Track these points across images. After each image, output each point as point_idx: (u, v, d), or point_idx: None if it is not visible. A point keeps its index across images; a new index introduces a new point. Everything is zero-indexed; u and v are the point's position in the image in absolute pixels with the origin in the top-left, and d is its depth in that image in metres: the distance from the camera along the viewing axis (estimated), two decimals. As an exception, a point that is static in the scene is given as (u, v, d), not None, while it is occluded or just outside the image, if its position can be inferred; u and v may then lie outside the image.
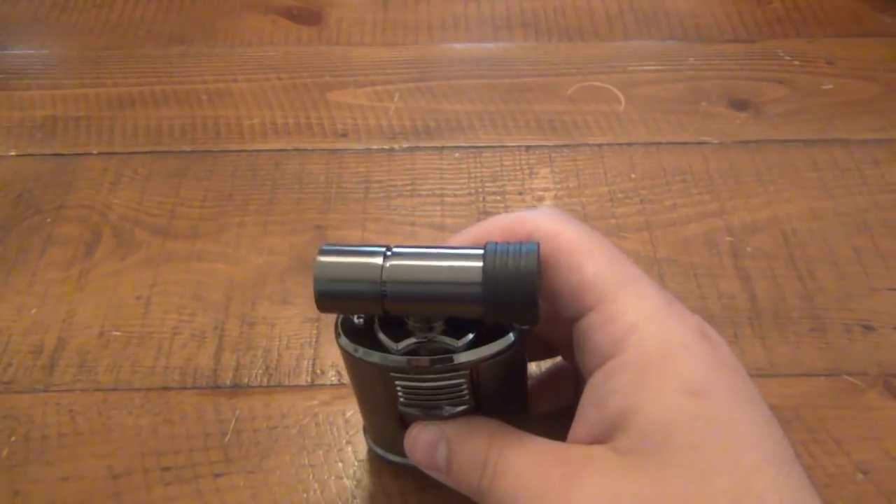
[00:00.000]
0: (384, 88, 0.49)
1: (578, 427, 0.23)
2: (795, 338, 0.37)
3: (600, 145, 0.46)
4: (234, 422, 0.34)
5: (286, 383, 0.35)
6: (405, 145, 0.46)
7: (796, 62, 0.50)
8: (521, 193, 0.43)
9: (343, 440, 0.33)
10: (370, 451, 0.32)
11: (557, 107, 0.48)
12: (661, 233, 0.41)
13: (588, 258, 0.23)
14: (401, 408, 0.25)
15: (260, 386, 0.35)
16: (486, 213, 0.42)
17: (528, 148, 0.46)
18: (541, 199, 0.43)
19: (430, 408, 0.25)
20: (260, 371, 0.36)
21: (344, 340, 0.24)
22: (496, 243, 0.22)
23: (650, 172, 0.44)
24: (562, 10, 0.55)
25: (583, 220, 0.42)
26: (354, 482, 0.32)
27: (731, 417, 0.20)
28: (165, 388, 0.35)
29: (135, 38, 0.54)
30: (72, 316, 0.38)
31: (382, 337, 0.24)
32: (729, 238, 0.41)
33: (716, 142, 0.46)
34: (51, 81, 0.50)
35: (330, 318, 0.37)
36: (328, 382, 0.35)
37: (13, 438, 0.34)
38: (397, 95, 0.49)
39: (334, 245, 0.23)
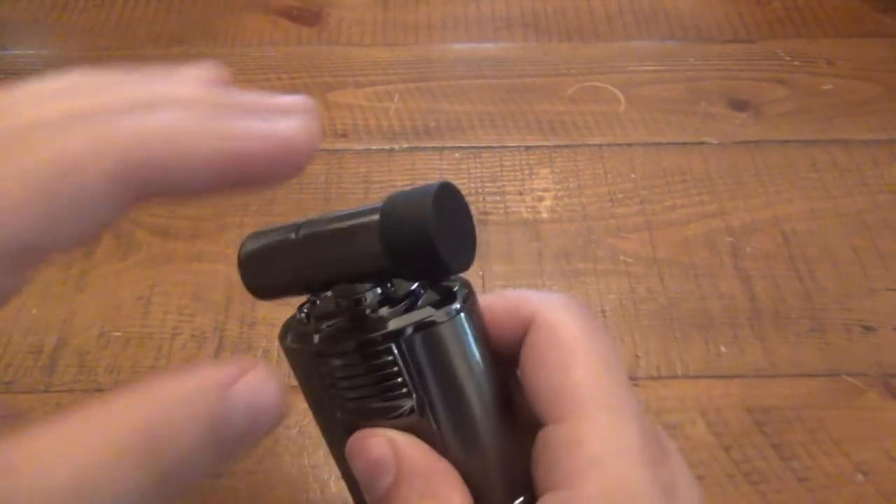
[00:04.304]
0: (384, 89, 0.49)
1: None
2: (795, 338, 0.37)
3: (600, 146, 0.46)
4: (234, 422, 0.34)
5: (286, 383, 0.35)
6: (405, 146, 0.46)
7: (796, 62, 0.50)
8: (521, 194, 0.43)
9: (343, 440, 0.33)
10: None
11: (557, 107, 0.48)
12: (661, 233, 0.41)
13: (578, 362, 0.21)
14: (339, 415, 0.22)
15: (260, 386, 0.35)
16: (486, 214, 0.42)
17: (528, 148, 0.46)
18: (541, 199, 0.43)
19: (369, 413, 0.21)
20: (260, 371, 0.36)
21: (284, 335, 0.23)
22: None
23: (650, 173, 0.44)
24: (562, 11, 0.55)
25: (583, 219, 0.42)
26: (354, 482, 0.32)
27: None
28: (165, 389, 0.35)
29: (135, 39, 0.54)
30: (72, 316, 0.38)
31: (309, 322, 0.22)
32: (729, 238, 0.41)
33: (715, 142, 0.46)
34: (51, 82, 0.50)
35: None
36: (328, 383, 0.35)
37: (13, 439, 0.34)
38: (397, 96, 0.49)
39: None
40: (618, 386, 0.21)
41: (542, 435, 0.21)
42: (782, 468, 0.33)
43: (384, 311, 0.21)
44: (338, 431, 0.22)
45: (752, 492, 0.32)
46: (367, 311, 0.22)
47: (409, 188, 0.21)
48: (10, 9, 0.56)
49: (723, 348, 0.37)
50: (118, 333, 0.37)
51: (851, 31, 0.53)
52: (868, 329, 0.37)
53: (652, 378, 0.36)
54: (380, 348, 0.21)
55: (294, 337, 0.22)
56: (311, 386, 0.23)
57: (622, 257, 0.40)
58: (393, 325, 0.21)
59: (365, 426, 0.21)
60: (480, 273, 0.40)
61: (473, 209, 0.42)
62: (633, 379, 0.36)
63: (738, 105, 0.48)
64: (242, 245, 0.23)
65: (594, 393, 0.20)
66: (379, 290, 0.22)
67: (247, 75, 0.51)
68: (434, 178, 0.44)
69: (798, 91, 0.49)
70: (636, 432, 0.20)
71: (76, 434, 0.16)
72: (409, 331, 0.20)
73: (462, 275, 0.24)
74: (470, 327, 0.22)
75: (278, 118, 0.19)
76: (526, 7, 0.55)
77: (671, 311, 0.38)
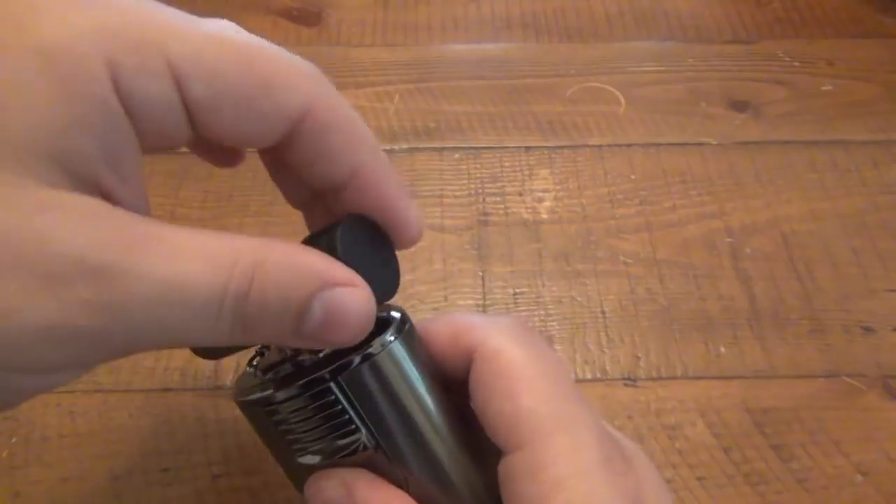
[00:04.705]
0: (384, 89, 0.49)
1: None
2: (795, 339, 0.37)
3: (600, 146, 0.46)
4: (233, 423, 0.34)
5: (286, 384, 0.35)
6: (405, 146, 0.46)
7: (796, 63, 0.50)
8: (520, 194, 0.43)
9: (343, 441, 0.33)
10: None
11: (557, 108, 0.48)
12: (661, 234, 0.41)
13: (526, 388, 0.21)
14: (299, 460, 0.22)
15: (260, 387, 0.35)
16: (486, 215, 0.42)
17: (527, 149, 0.46)
18: (541, 199, 0.43)
19: (326, 454, 0.21)
20: (260, 372, 0.36)
21: (236, 393, 0.23)
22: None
23: (650, 173, 0.44)
24: (562, 11, 0.55)
25: (582, 220, 0.42)
26: (354, 483, 0.32)
27: None
28: (165, 390, 0.35)
29: (135, 39, 0.54)
30: (72, 317, 0.38)
31: (257, 374, 0.23)
32: (728, 239, 0.41)
33: (715, 143, 0.46)
34: (51, 82, 0.50)
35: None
36: (328, 384, 0.35)
37: (14, 440, 0.34)
38: (397, 96, 0.49)
39: None
40: (569, 404, 0.21)
41: (503, 465, 0.21)
42: (782, 469, 0.33)
43: (324, 352, 0.21)
44: (302, 476, 0.22)
45: (751, 493, 0.32)
46: (307, 356, 0.22)
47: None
48: (10, 9, 0.56)
49: (722, 349, 0.37)
50: (118, 334, 0.37)
51: (851, 31, 0.53)
52: (868, 330, 0.37)
53: (651, 379, 0.36)
54: (321, 388, 0.21)
55: (245, 391, 0.22)
56: (269, 436, 0.23)
57: (622, 258, 0.40)
58: (330, 363, 0.21)
59: (323, 467, 0.21)
60: (480, 274, 0.40)
61: (474, 210, 0.43)
62: (632, 380, 0.36)
63: (738, 106, 0.48)
64: None
65: (546, 416, 0.20)
66: None
67: (247, 76, 0.51)
68: (434, 179, 0.44)
69: (798, 92, 0.49)
70: (595, 447, 0.20)
71: (188, 248, 0.17)
72: (348, 366, 0.20)
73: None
74: (408, 355, 0.21)
75: None
76: (526, 7, 0.55)
77: (671, 311, 0.38)
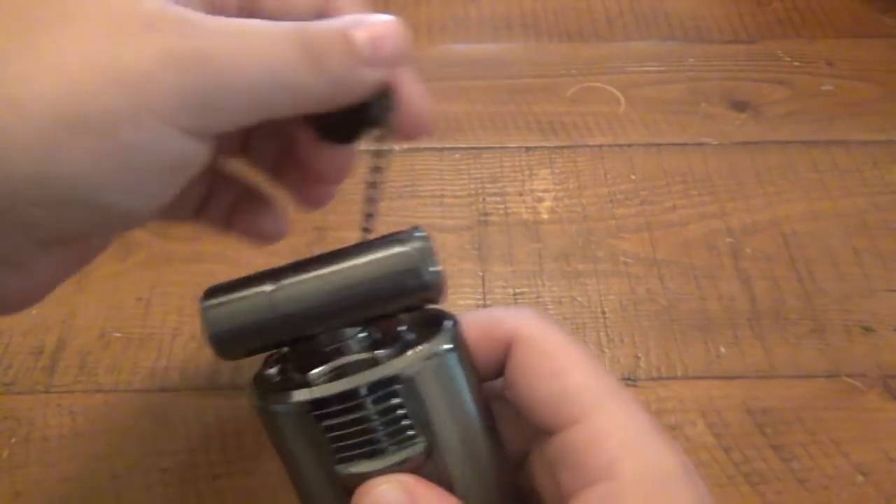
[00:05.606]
0: (384, 89, 0.49)
1: None
2: (795, 339, 0.37)
3: (600, 146, 0.46)
4: (233, 423, 0.34)
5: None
6: (405, 146, 0.46)
7: (796, 63, 0.50)
8: (521, 195, 0.43)
9: (343, 441, 0.33)
10: None
11: (557, 108, 0.48)
12: (661, 234, 0.41)
13: (571, 366, 0.22)
14: (339, 469, 0.20)
15: (260, 387, 0.35)
16: (486, 215, 0.42)
17: (528, 149, 0.46)
18: (541, 200, 0.43)
19: (371, 455, 0.20)
20: (260, 372, 0.36)
21: (255, 397, 0.21)
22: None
23: (650, 174, 0.44)
24: (562, 11, 0.55)
25: (583, 220, 0.42)
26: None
27: None
28: (165, 390, 0.35)
29: (135, 39, 0.54)
30: (72, 317, 0.38)
31: (294, 375, 0.21)
32: (729, 239, 0.41)
33: (716, 143, 0.46)
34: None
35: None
36: (328, 384, 0.35)
37: (14, 440, 0.34)
38: (397, 96, 0.49)
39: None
40: (611, 378, 0.22)
41: (558, 441, 0.21)
42: (782, 469, 0.33)
43: (380, 353, 0.21)
44: (329, 493, 0.21)
45: (751, 493, 0.32)
46: (361, 356, 0.21)
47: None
48: (10, 9, 0.56)
49: (723, 349, 0.37)
50: (118, 334, 0.37)
51: (851, 31, 0.53)
52: (868, 330, 0.37)
53: (652, 379, 0.36)
54: (385, 391, 0.20)
55: (277, 397, 0.21)
56: (296, 447, 0.21)
57: (622, 258, 0.40)
58: (393, 365, 0.20)
59: (366, 479, 0.20)
60: (481, 274, 0.40)
61: (474, 210, 0.43)
62: (632, 380, 0.36)
63: (739, 105, 0.48)
64: (207, 310, 0.22)
65: (596, 389, 0.21)
66: (364, 334, 0.22)
67: (247, 76, 0.51)
68: (434, 179, 0.44)
69: (798, 91, 0.49)
70: (647, 418, 0.21)
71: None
72: (411, 370, 0.20)
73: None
74: (464, 358, 0.21)
75: None
76: (526, 7, 0.55)
77: (671, 311, 0.38)
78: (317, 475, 0.21)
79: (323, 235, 0.41)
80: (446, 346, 0.21)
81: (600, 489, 0.20)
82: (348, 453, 0.20)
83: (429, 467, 0.21)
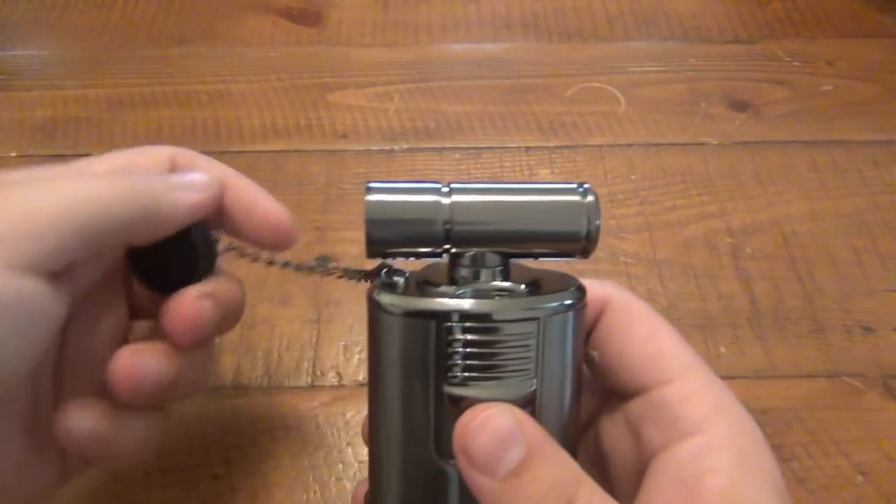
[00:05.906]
0: (384, 89, 0.49)
1: (655, 501, 0.21)
2: (795, 339, 0.37)
3: (600, 146, 0.46)
4: (233, 423, 0.34)
5: (286, 385, 0.35)
6: (405, 146, 0.46)
7: (796, 63, 0.50)
8: (520, 194, 0.43)
9: (343, 441, 0.33)
10: None
11: (557, 108, 0.48)
12: (661, 234, 0.41)
13: (662, 332, 0.23)
14: (449, 389, 0.20)
15: (260, 388, 0.35)
16: (486, 215, 0.42)
17: (528, 149, 0.46)
18: (541, 200, 0.43)
19: (488, 380, 0.20)
20: (260, 373, 0.36)
21: (386, 296, 0.21)
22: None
23: (650, 173, 0.44)
24: (562, 11, 0.55)
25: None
26: (355, 483, 0.32)
27: None
28: (165, 390, 0.35)
29: (135, 39, 0.54)
30: (72, 317, 0.38)
31: (431, 289, 0.22)
32: (729, 239, 0.41)
33: (715, 143, 0.46)
34: (51, 82, 0.50)
35: (330, 321, 0.37)
36: (328, 384, 0.35)
37: (13, 440, 0.34)
38: (397, 96, 0.49)
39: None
40: (695, 352, 0.23)
41: (651, 397, 0.22)
42: (782, 469, 0.33)
43: (523, 287, 0.22)
44: (420, 410, 0.21)
45: (751, 493, 0.32)
46: (498, 284, 0.22)
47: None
48: (10, 9, 0.56)
49: (723, 349, 0.37)
50: (118, 334, 0.37)
51: (851, 31, 0.53)
52: (868, 330, 0.37)
53: (652, 379, 0.36)
54: (525, 325, 0.21)
55: (414, 300, 0.21)
56: (408, 355, 0.21)
57: (622, 258, 0.40)
58: (538, 303, 0.21)
59: (472, 404, 0.20)
60: (480, 274, 0.40)
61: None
62: (633, 380, 0.36)
63: (738, 105, 0.48)
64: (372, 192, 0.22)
65: (686, 355, 0.23)
66: (502, 267, 0.23)
67: (247, 76, 0.51)
68: (434, 179, 0.44)
69: (798, 91, 0.49)
70: (727, 387, 0.23)
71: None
72: (550, 311, 0.21)
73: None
74: (583, 318, 0.23)
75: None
76: (526, 7, 0.55)
77: (671, 311, 0.38)
78: (417, 389, 0.21)
79: (323, 235, 0.41)
80: (581, 301, 0.22)
81: (694, 441, 0.21)
82: (467, 374, 0.20)
83: (526, 410, 0.21)
